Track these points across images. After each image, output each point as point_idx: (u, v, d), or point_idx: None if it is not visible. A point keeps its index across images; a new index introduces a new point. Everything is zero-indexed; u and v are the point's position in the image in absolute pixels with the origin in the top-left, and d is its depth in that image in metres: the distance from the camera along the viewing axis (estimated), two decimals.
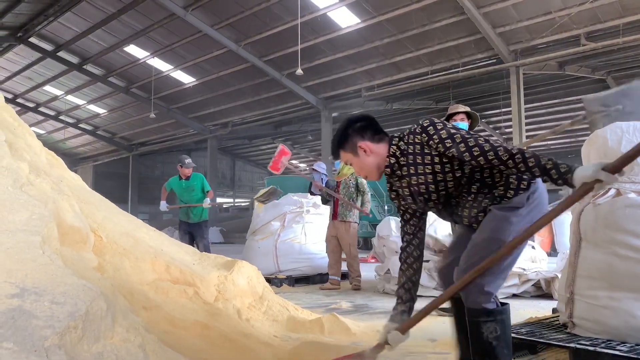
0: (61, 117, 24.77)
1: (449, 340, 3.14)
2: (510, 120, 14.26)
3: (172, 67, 17.98)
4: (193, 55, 16.91)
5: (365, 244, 15.27)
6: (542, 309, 4.24)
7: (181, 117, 22.22)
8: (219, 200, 28.64)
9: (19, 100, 22.78)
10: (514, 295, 5.03)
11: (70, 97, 22.21)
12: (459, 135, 1.92)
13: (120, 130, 26.19)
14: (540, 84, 16.05)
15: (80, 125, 25.56)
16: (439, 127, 1.97)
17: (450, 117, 4.26)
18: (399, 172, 2.09)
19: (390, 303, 4.86)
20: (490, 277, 1.92)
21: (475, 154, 1.86)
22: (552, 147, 23.51)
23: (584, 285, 2.53)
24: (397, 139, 2.08)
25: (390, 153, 2.07)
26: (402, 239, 2.21)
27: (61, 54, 18.24)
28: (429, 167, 1.99)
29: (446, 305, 2.16)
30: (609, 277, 2.43)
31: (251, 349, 2.59)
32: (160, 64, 18.00)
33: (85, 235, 2.44)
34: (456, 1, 11.78)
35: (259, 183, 32.49)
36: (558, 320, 2.84)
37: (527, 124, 14.55)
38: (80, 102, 22.62)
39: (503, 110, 16.75)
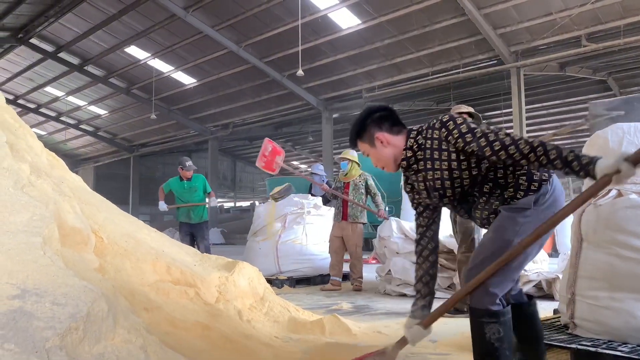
0: (62, 118, 24.77)
1: (450, 341, 3.15)
2: (511, 121, 14.22)
3: (172, 68, 17.98)
4: (194, 56, 16.91)
5: (366, 244, 15.21)
6: (543, 309, 4.18)
7: (182, 118, 22.21)
8: (218, 200, 28.61)
9: (20, 101, 22.81)
10: None
11: (71, 98, 22.22)
12: (479, 129, 1.90)
13: (121, 132, 26.19)
14: (541, 85, 16.04)
15: (81, 126, 25.56)
16: (458, 122, 1.95)
17: None
18: (415, 165, 2.08)
19: (390, 304, 4.88)
20: (497, 277, 1.88)
21: (496, 148, 1.82)
22: None
23: (585, 286, 2.53)
24: (415, 132, 2.07)
25: (408, 146, 2.06)
26: (416, 231, 2.18)
27: (62, 55, 18.25)
28: (446, 163, 1.97)
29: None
30: (610, 277, 2.42)
31: (252, 350, 2.59)
32: (161, 65, 18.01)
33: (86, 236, 2.44)
34: (457, 2, 11.76)
35: (260, 184, 32.49)
36: (559, 321, 2.84)
37: (528, 125, 14.51)
38: (81, 103, 22.63)
39: (504, 111, 16.70)
